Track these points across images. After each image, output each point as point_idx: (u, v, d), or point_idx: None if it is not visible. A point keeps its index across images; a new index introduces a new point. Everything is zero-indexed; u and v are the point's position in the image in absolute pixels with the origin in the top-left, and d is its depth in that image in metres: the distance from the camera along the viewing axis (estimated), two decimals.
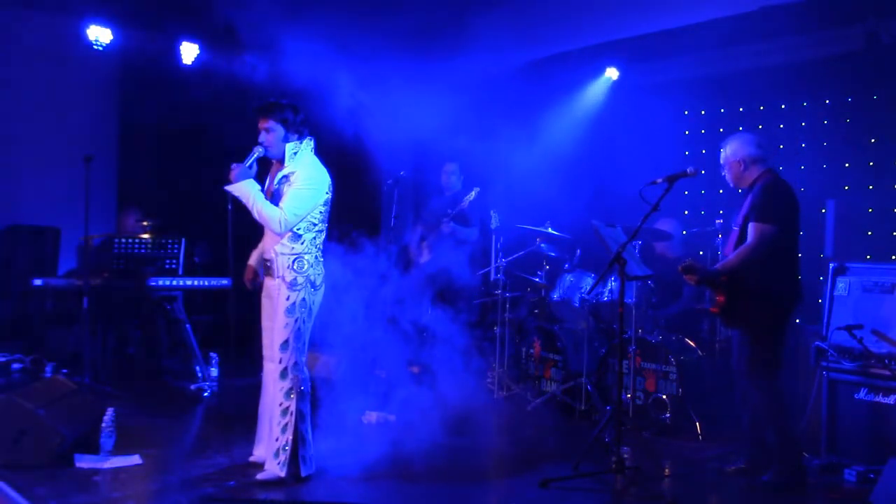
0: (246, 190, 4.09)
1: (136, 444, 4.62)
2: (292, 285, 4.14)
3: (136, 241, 6.63)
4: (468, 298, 6.49)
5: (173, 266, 6.71)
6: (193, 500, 3.78)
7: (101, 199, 8.17)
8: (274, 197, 4.16)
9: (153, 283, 6.56)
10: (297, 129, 4.22)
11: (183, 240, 6.80)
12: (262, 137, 4.20)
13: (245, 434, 4.85)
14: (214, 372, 6.62)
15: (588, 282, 6.08)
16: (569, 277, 6.28)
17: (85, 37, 7.37)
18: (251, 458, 4.39)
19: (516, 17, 7.36)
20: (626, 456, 4.54)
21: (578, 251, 6.41)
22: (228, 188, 4.12)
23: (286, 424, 4.10)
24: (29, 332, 7.30)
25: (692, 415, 5.34)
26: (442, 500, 4.03)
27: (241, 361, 7.18)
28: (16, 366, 6.86)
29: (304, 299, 4.16)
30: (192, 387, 6.36)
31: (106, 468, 4.23)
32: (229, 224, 4.49)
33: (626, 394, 5.49)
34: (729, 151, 4.49)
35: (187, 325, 6.71)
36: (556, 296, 6.27)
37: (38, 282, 6.36)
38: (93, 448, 4.40)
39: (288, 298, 4.13)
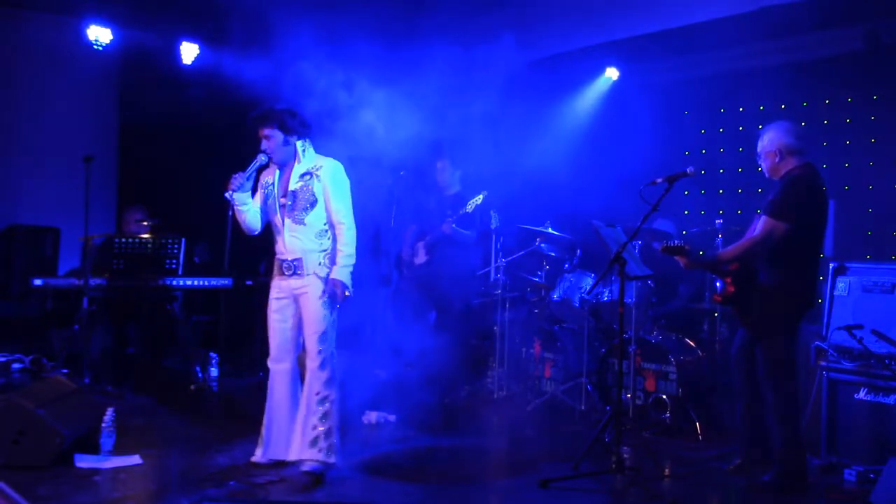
0: (346, 274, 4.21)
1: (136, 444, 4.62)
2: (326, 280, 4.24)
3: (137, 241, 6.62)
4: (465, 299, 6.48)
5: (173, 266, 6.71)
6: (193, 500, 3.78)
7: (101, 199, 8.17)
8: (297, 196, 4.22)
9: (153, 283, 6.56)
10: (296, 131, 4.28)
11: (183, 240, 6.80)
12: (264, 145, 4.27)
13: (245, 434, 4.84)
14: (214, 372, 6.62)
15: (588, 282, 6.08)
16: (569, 277, 6.28)
17: (85, 37, 7.37)
18: (253, 459, 4.36)
19: (516, 17, 7.35)
20: (626, 456, 4.55)
21: (578, 251, 6.41)
22: (345, 283, 4.20)
23: (326, 412, 4.18)
24: (29, 332, 7.30)
25: (692, 415, 5.34)
26: (442, 500, 4.03)
27: (240, 361, 7.18)
28: (16, 366, 6.86)
29: (334, 292, 4.27)
30: (192, 387, 6.36)
31: (106, 468, 4.23)
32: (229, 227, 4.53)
33: (626, 394, 5.49)
34: (766, 141, 4.33)
35: (187, 325, 6.71)
36: (556, 296, 6.27)
37: (38, 282, 6.36)
38: (93, 448, 4.41)
39: (324, 293, 4.22)
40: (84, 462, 4.28)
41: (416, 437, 5.09)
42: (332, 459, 4.16)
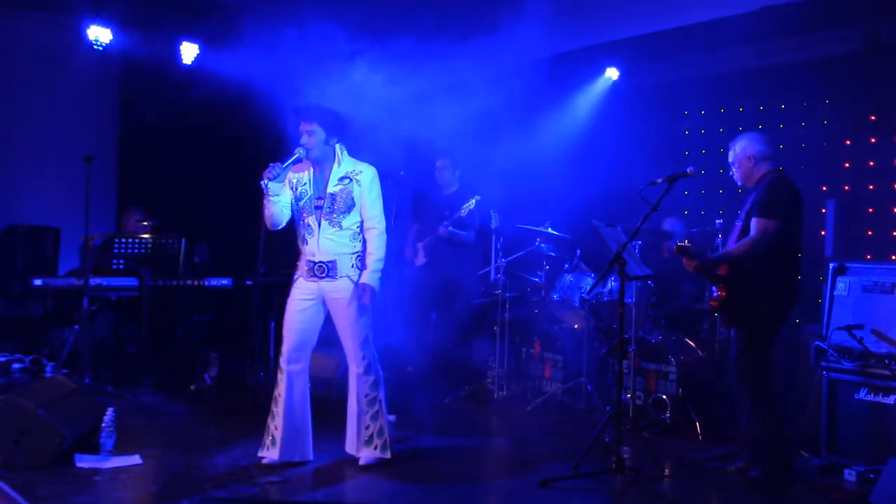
0: (376, 279, 4.29)
1: (136, 444, 4.62)
2: (356, 283, 4.28)
3: (136, 241, 6.62)
4: (466, 299, 6.47)
5: (173, 266, 6.71)
6: (194, 500, 3.78)
7: (101, 199, 8.17)
8: (335, 198, 4.24)
9: (153, 283, 6.55)
10: (337, 132, 4.31)
11: (183, 240, 6.79)
12: (304, 140, 4.26)
13: (245, 434, 4.85)
14: (214, 372, 6.62)
15: (588, 282, 6.08)
16: (569, 277, 6.27)
17: (85, 37, 7.37)
18: (264, 461, 4.34)
19: (515, 18, 7.35)
20: (626, 456, 4.54)
21: (578, 251, 6.41)
22: (374, 288, 4.27)
23: (376, 412, 4.37)
24: (29, 332, 7.30)
25: (692, 415, 5.34)
26: (442, 500, 4.03)
27: (240, 361, 7.18)
28: (16, 366, 6.86)
29: (362, 297, 4.30)
30: (192, 387, 6.36)
31: (106, 468, 4.23)
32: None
33: (626, 394, 5.49)
34: (739, 149, 4.50)
35: (187, 325, 6.71)
36: (556, 296, 6.27)
37: (38, 282, 6.35)
38: (93, 448, 4.40)
39: (360, 298, 4.25)
40: (84, 462, 4.28)
41: (416, 437, 5.09)
42: (387, 455, 4.37)
